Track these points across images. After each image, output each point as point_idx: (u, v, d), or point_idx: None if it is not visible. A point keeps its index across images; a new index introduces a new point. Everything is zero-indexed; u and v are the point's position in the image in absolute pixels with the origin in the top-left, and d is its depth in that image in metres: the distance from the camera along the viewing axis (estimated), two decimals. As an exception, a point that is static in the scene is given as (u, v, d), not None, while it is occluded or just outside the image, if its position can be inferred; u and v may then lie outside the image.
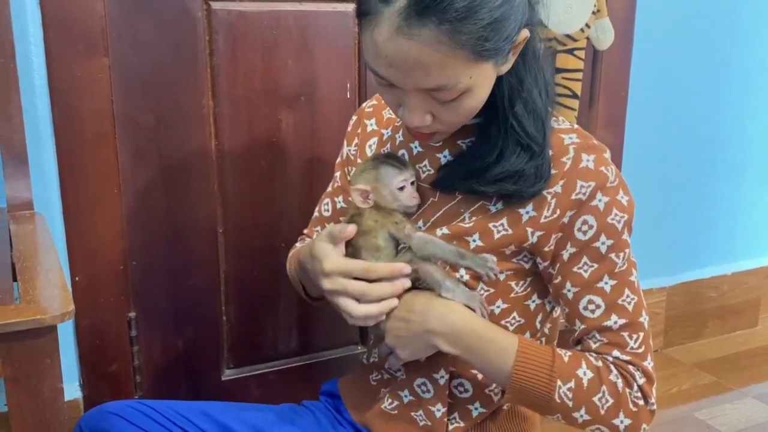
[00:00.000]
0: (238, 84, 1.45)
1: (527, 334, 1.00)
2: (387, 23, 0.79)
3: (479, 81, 0.84)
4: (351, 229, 0.96)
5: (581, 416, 0.92)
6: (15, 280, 0.93)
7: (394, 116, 1.11)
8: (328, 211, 1.21)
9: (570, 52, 1.68)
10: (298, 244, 1.26)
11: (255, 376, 1.63)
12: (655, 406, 0.94)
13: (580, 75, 1.70)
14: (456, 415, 1.04)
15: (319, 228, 1.23)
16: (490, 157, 0.92)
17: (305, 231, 1.28)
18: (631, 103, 1.89)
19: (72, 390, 1.47)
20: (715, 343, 2.22)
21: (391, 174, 0.97)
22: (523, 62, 0.90)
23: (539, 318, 1.01)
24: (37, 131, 1.33)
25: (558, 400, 0.91)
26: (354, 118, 1.18)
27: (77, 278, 1.40)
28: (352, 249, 0.98)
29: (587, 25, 1.65)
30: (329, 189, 1.23)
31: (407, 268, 0.94)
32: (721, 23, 2.00)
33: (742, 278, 2.26)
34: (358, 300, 0.95)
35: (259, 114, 1.48)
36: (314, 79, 1.51)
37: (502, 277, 0.95)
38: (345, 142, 1.19)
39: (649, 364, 0.94)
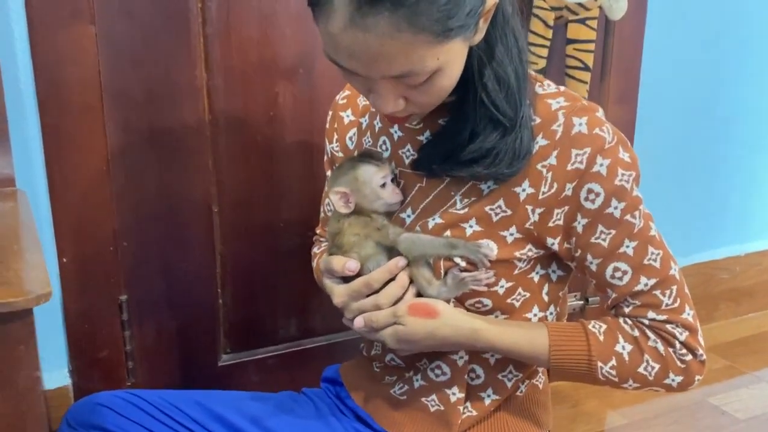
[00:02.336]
0: (233, 55, 1.40)
1: (535, 308, 0.97)
2: (339, 14, 0.74)
3: (449, 59, 0.80)
4: (351, 265, 0.95)
5: (630, 385, 0.93)
6: (-8, 260, 0.87)
7: (369, 102, 1.07)
8: (332, 211, 1.17)
9: (582, 21, 1.61)
10: (315, 249, 1.25)
11: (253, 362, 1.61)
12: (704, 356, 0.93)
13: (592, 46, 1.63)
14: (468, 404, 1.00)
15: None
16: (463, 135, 0.89)
17: (318, 231, 1.26)
18: (643, 77, 1.85)
19: (61, 377, 1.44)
20: (728, 326, 2.21)
21: (370, 172, 0.95)
22: (493, 29, 0.85)
23: (545, 290, 0.97)
24: (20, 104, 1.28)
25: (602, 379, 0.92)
26: (330, 113, 1.15)
27: (64, 260, 1.37)
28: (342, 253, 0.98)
29: (600, -6, 1.60)
30: (326, 188, 1.20)
31: (402, 261, 0.93)
32: (738, -6, 1.97)
33: (755, 259, 2.24)
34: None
35: (256, 87, 1.44)
36: (314, 49, 1.46)
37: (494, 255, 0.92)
38: (326, 140, 1.16)
39: (688, 315, 0.92)
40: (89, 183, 1.35)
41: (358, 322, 0.94)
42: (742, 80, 2.06)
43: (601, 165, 0.87)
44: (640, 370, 0.91)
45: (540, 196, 0.89)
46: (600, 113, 0.90)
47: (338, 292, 0.96)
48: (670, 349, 0.91)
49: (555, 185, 0.88)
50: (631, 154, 0.89)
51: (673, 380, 0.92)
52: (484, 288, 0.93)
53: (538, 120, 0.89)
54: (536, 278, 0.96)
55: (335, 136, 1.13)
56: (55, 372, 1.41)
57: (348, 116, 1.11)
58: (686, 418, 1.74)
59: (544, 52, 1.60)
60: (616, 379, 0.92)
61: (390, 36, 0.73)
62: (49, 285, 0.76)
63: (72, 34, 1.28)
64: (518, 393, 1.03)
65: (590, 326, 0.93)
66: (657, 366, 0.91)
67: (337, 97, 1.14)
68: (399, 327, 0.92)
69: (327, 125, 1.16)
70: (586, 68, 1.63)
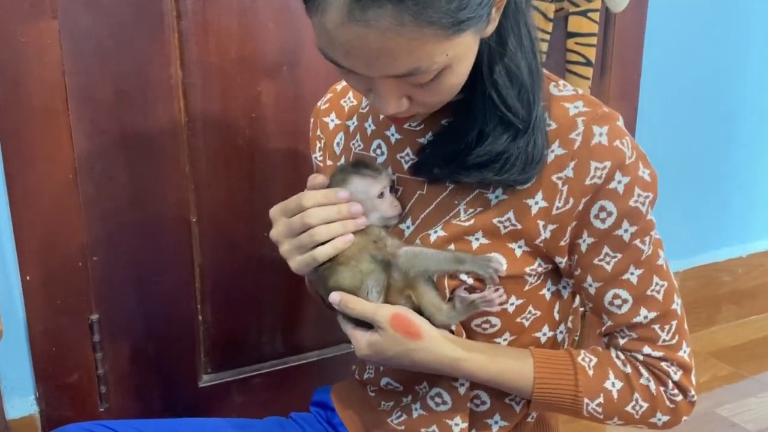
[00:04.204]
0: (211, 51, 1.36)
1: (545, 327, 0.93)
2: (336, 6, 0.69)
3: (459, 55, 0.74)
4: (320, 179, 0.89)
5: (613, 422, 0.91)
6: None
7: (357, 103, 1.03)
8: None
9: (583, 14, 1.56)
10: None
11: (236, 382, 1.56)
12: (695, 397, 0.90)
13: (594, 40, 1.58)
14: None
15: None
16: (470, 137, 0.84)
17: None
18: (644, 73, 1.81)
19: (26, 405, 1.39)
20: (730, 330, 2.19)
21: (365, 184, 0.89)
22: (505, 19, 0.80)
23: (557, 307, 0.93)
24: (-25, 107, 1.23)
25: (587, 415, 0.90)
26: (311, 120, 1.11)
27: (28, 277, 1.32)
28: (331, 272, 0.89)
29: (601, -16, 1.56)
30: None
31: (342, 193, 0.87)
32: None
33: (758, 260, 2.22)
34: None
35: (235, 85, 1.39)
36: (298, 44, 1.41)
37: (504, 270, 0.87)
38: (311, 150, 1.11)
39: (684, 352, 0.89)
40: (54, 193, 1.31)
41: (334, 297, 0.88)
42: (745, 77, 2.03)
43: (620, 182, 0.82)
44: (628, 408, 0.89)
45: (554, 211, 0.84)
46: (620, 122, 0.85)
47: (273, 208, 0.90)
48: (662, 389, 0.89)
49: (571, 200, 0.83)
50: (651, 172, 0.85)
51: (659, 419, 0.90)
52: (497, 309, 0.87)
53: (553, 125, 0.84)
54: (548, 295, 0.91)
55: (318, 145, 1.07)
56: (20, 399, 1.37)
57: (333, 120, 1.05)
58: (695, 431, 1.70)
59: (544, 46, 1.54)
60: (601, 416, 0.89)
61: (393, 31, 0.68)
62: (0, 323, 0.65)
63: (32, 30, 1.23)
64: (529, 419, 0.98)
65: (579, 359, 0.90)
66: (646, 405, 0.89)
67: (319, 103, 1.09)
68: (374, 336, 0.86)
69: (310, 133, 1.10)
70: (587, 63, 1.58)
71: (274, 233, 0.88)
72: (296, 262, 0.87)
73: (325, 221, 0.84)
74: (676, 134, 1.97)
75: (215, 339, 1.52)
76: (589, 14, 1.56)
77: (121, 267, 1.39)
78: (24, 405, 1.38)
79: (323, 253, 0.85)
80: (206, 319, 1.50)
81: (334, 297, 0.87)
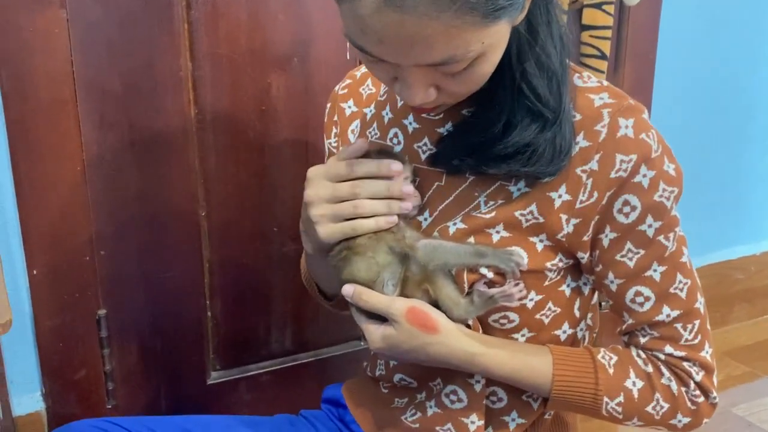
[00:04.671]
0: (221, 42, 1.34)
1: (565, 324, 0.91)
2: None
3: (494, 43, 0.73)
4: (359, 144, 0.86)
5: (633, 423, 0.89)
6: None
7: (375, 91, 1.01)
8: None
9: (598, 6, 1.54)
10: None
11: (245, 379, 1.55)
12: (717, 399, 0.89)
13: (609, 33, 1.56)
14: (490, 429, 0.94)
15: None
16: (495, 128, 0.82)
17: None
18: (658, 67, 1.79)
19: (33, 401, 1.38)
20: (744, 329, 2.17)
21: None
22: (534, 7, 0.78)
23: (577, 304, 0.91)
24: (-20, 98, 1.22)
25: (605, 414, 0.88)
26: (328, 105, 1.09)
27: (35, 272, 1.31)
28: (346, 263, 0.86)
29: (616, -23, 1.55)
30: None
31: (396, 165, 0.84)
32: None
33: None
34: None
35: (246, 77, 1.38)
36: (309, 36, 1.40)
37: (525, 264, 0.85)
38: (324, 136, 1.10)
39: (706, 353, 0.88)
40: (62, 186, 1.29)
41: (347, 290, 0.86)
42: (761, 72, 2.00)
43: (645, 176, 0.81)
44: (648, 408, 0.87)
45: (577, 205, 0.82)
46: (645, 115, 0.83)
47: (314, 168, 0.86)
48: (683, 389, 0.87)
49: (595, 194, 0.81)
50: (676, 167, 0.84)
51: (680, 421, 0.88)
52: (516, 303, 0.85)
53: (578, 116, 0.82)
54: (568, 292, 0.89)
55: (334, 130, 1.05)
56: (26, 396, 1.35)
57: (350, 107, 1.03)
58: None
59: (558, 39, 1.53)
60: (621, 416, 0.88)
61: (431, 17, 0.66)
62: (9, 312, 0.64)
63: (40, 20, 1.21)
64: (546, 416, 0.97)
65: (599, 356, 0.88)
66: (667, 406, 0.87)
67: (337, 88, 1.07)
68: (388, 329, 0.84)
69: (325, 118, 1.08)
70: (602, 57, 1.56)
71: (312, 194, 0.84)
72: (328, 229, 0.84)
73: (373, 196, 0.82)
74: (689, 130, 1.94)
75: (224, 335, 1.51)
76: (604, 7, 1.54)
77: (129, 262, 1.38)
78: (30, 401, 1.36)
79: (365, 226, 0.82)
80: (215, 315, 1.49)
81: (347, 290, 0.85)
